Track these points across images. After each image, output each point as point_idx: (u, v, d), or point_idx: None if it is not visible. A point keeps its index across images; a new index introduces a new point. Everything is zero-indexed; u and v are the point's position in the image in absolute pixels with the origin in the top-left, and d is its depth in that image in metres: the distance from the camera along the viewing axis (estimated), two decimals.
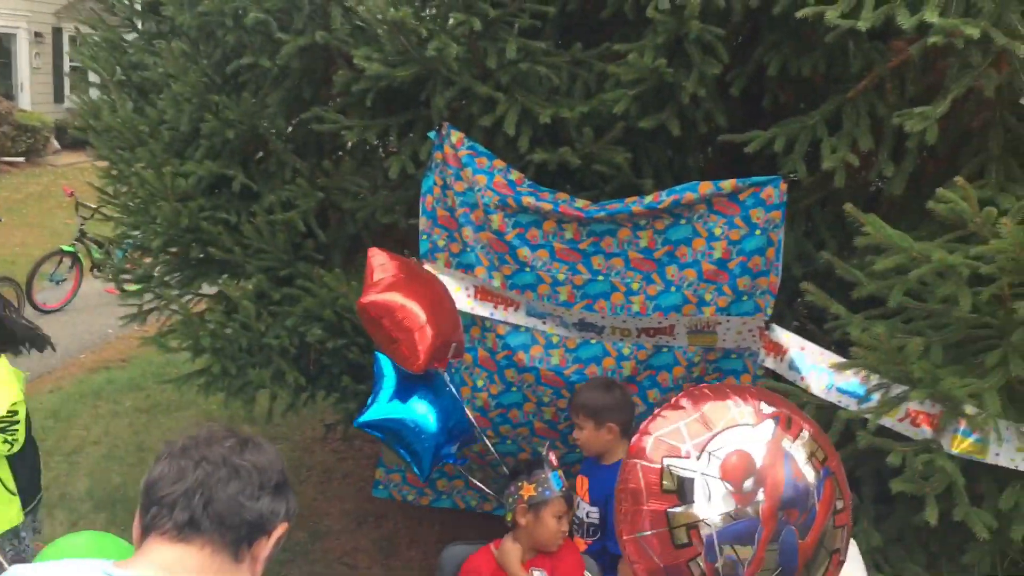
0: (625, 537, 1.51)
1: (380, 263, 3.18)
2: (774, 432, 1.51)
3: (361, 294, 3.09)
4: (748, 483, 1.46)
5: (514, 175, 3.43)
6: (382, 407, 3.20)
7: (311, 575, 4.16)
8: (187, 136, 3.98)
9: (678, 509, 1.46)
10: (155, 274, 4.34)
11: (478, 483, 3.74)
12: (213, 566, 1.27)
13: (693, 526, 1.44)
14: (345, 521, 4.70)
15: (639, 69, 3.03)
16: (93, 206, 8.59)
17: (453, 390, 3.22)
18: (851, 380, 2.80)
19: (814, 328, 3.35)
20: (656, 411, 1.60)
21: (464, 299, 3.53)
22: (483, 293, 3.52)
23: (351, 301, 3.63)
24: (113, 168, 4.25)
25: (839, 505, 1.52)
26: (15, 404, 3.32)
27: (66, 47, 18.67)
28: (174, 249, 4.18)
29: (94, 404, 6.13)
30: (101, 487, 4.86)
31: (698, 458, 1.48)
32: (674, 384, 3.43)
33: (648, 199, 3.24)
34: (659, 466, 1.49)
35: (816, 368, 2.94)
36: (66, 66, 18.61)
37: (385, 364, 3.27)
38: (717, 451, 1.49)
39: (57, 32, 18.74)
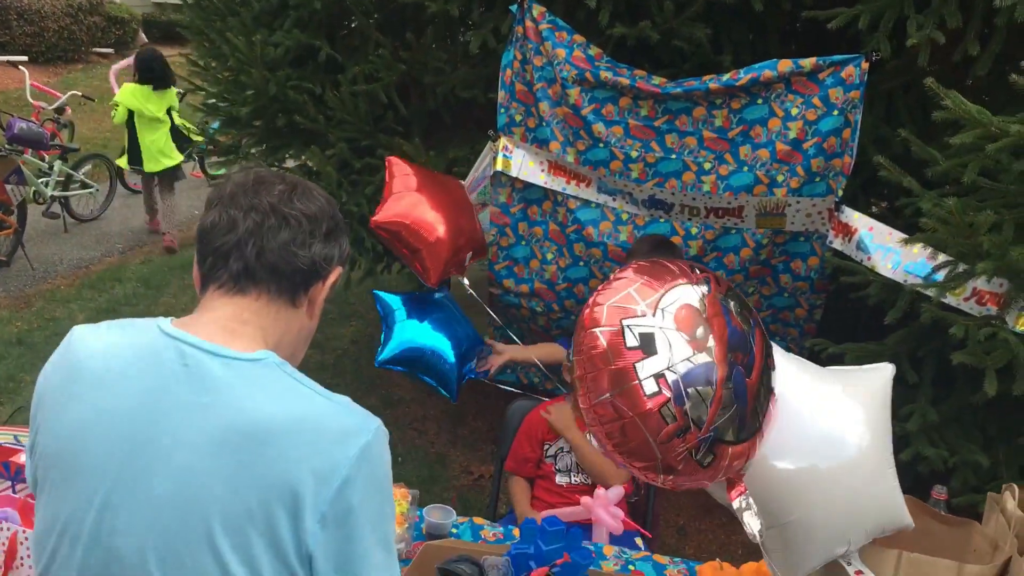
0: (591, 404, 1.60)
1: (402, 172, 3.29)
2: (710, 288, 1.67)
3: (379, 207, 3.24)
4: (699, 331, 1.59)
5: (593, 50, 3.46)
6: (398, 341, 3.33)
7: None
8: (276, 8, 4.08)
9: (644, 361, 1.56)
10: (242, 145, 4.52)
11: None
12: (271, 312, 1.31)
13: (660, 375, 1.55)
14: (415, 392, 4.92)
15: None
16: (181, 91, 8.87)
17: (458, 309, 3.36)
18: (918, 259, 2.82)
19: (886, 211, 3.35)
20: (601, 286, 1.72)
21: (538, 173, 3.61)
22: (556, 168, 3.60)
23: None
24: (205, 39, 4.40)
25: (769, 350, 1.72)
26: None
27: None
28: (258, 122, 4.35)
29: (181, 276, 6.45)
30: None
31: (653, 315, 1.59)
32: (740, 266, 3.49)
33: (726, 76, 3.24)
34: (618, 328, 1.59)
35: (883, 247, 2.96)
36: None
37: (389, 299, 3.40)
38: (668, 307, 1.60)
39: None
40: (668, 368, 1.55)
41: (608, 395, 1.56)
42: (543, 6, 3.49)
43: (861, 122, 3.15)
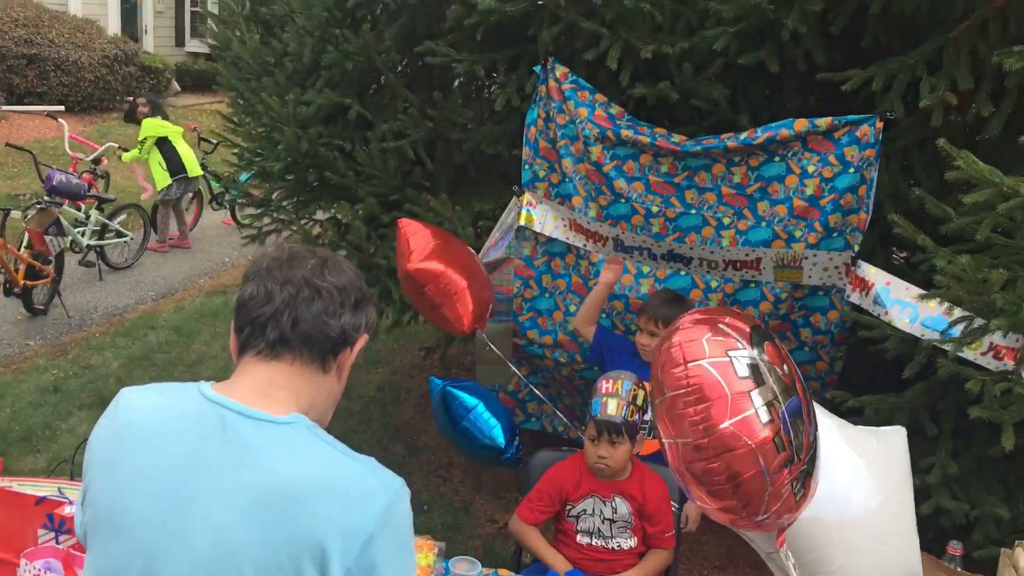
0: (697, 439, 1.59)
1: (414, 232, 3.42)
2: (765, 331, 1.75)
3: (400, 262, 3.36)
4: (785, 367, 1.66)
5: (614, 109, 3.57)
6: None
7: (408, 482, 4.45)
8: (308, 68, 4.24)
9: (756, 391, 1.59)
10: (274, 199, 4.66)
11: (559, 412, 3.98)
12: (303, 377, 1.41)
13: (771, 404, 1.58)
14: (440, 439, 4.97)
15: (740, 6, 3.12)
16: (214, 141, 9.10)
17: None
18: (935, 314, 2.87)
19: (903, 266, 3.40)
20: (673, 329, 1.73)
21: (560, 229, 3.72)
22: (576, 227, 3.69)
23: (456, 226, 3.86)
24: (239, 97, 4.57)
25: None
26: None
27: None
28: (290, 177, 4.49)
29: (212, 323, 6.58)
30: None
31: (751, 347, 1.63)
32: (760, 320, 3.55)
33: (743, 135, 3.33)
34: (726, 358, 1.61)
35: (900, 302, 3.02)
36: (187, 11, 19.35)
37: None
38: (758, 341, 1.66)
39: None
40: (775, 398, 1.58)
41: (725, 424, 1.56)
42: (566, 67, 3.61)
43: (877, 178, 3.23)
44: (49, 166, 6.80)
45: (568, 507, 2.94)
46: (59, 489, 2.37)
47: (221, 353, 6.03)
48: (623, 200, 3.58)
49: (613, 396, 2.85)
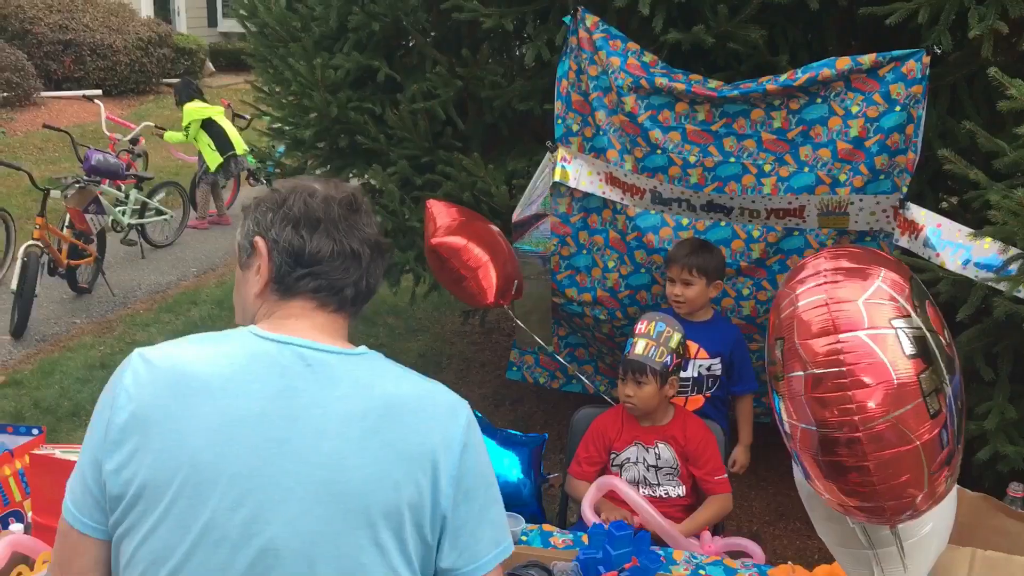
0: (854, 434, 1.26)
1: (440, 211, 3.40)
2: (919, 282, 1.41)
3: (425, 238, 3.34)
4: (947, 332, 1.31)
5: (647, 57, 3.47)
6: None
7: None
8: (335, 32, 4.19)
9: (925, 374, 1.25)
10: (307, 167, 4.64)
11: (583, 378, 3.93)
12: (347, 327, 1.45)
13: (938, 390, 1.26)
14: (484, 403, 4.96)
15: None
16: (247, 116, 9.13)
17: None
18: (989, 253, 2.76)
19: (953, 208, 3.28)
20: (809, 277, 1.35)
21: (595, 183, 3.64)
22: (611, 180, 3.61)
23: (489, 185, 3.81)
24: (268, 66, 4.54)
25: None
26: None
27: None
28: (321, 144, 4.46)
29: None
30: None
31: (913, 309, 1.24)
32: None
33: (783, 77, 3.22)
34: (891, 330, 1.24)
35: (952, 243, 2.91)
36: None
37: None
38: (921, 303, 1.28)
39: None
40: (943, 381, 1.26)
41: (887, 417, 1.24)
42: (596, 16, 3.51)
43: (925, 117, 3.10)
44: (87, 146, 6.84)
45: (612, 456, 2.92)
46: None
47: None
48: (659, 151, 3.49)
49: (644, 336, 2.86)
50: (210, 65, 17.57)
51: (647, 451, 2.89)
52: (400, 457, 1.29)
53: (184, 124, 8.11)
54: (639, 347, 2.82)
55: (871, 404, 1.24)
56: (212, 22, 19.63)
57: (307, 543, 1.25)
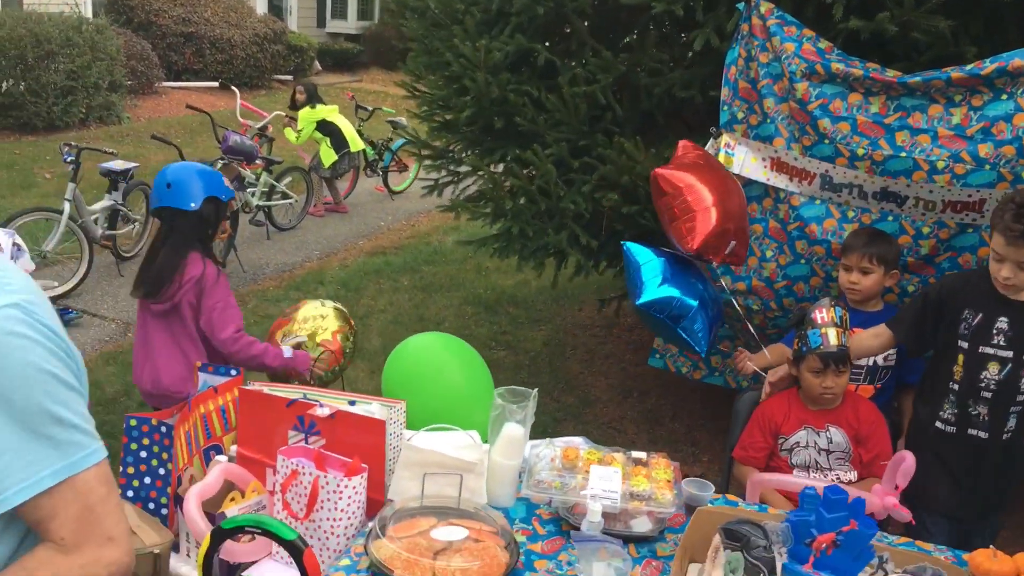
0: None
1: (686, 149, 3.38)
2: None
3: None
4: None
5: (823, 43, 3.44)
6: (655, 288, 3.30)
7: (584, 433, 4.46)
8: (495, 16, 4.27)
9: None
10: (455, 150, 4.73)
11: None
12: None
13: None
14: (611, 393, 4.98)
15: None
16: (370, 108, 9.35)
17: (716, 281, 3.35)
18: None
19: None
20: None
21: (760, 169, 3.62)
22: (778, 165, 3.59)
23: (647, 169, 3.82)
24: (424, 50, 4.64)
25: None
26: None
27: None
28: (473, 126, 4.54)
29: (376, 280, 6.76)
30: (392, 344, 5.38)
31: None
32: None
33: (969, 66, 3.15)
34: None
35: None
36: None
37: (639, 251, 3.38)
38: None
39: None
40: None
41: None
42: (771, 2, 3.50)
43: None
44: (225, 127, 7.10)
45: (780, 440, 2.89)
46: (304, 395, 2.46)
47: (388, 308, 6.19)
48: (827, 141, 3.45)
49: (831, 325, 2.83)
50: (318, 64, 18.03)
51: (818, 435, 2.86)
52: None
53: (299, 127, 8.40)
54: (832, 337, 2.79)
55: None
56: (320, 22, 20.16)
57: None
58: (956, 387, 2.85)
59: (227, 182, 3.40)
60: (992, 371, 2.77)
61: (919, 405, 3.00)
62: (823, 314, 2.87)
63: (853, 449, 2.83)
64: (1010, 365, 2.76)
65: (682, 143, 3.45)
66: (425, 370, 2.82)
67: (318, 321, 3.51)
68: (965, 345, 2.83)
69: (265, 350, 3.28)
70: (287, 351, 3.35)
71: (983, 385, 2.80)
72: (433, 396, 2.69)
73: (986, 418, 2.81)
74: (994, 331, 2.78)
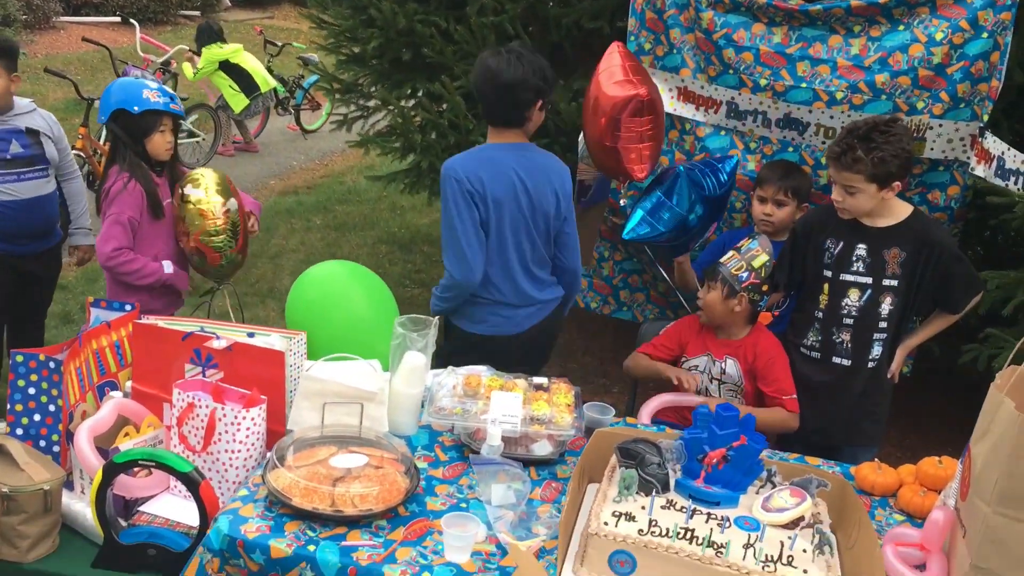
0: None
1: (629, 59, 3.35)
2: None
3: (607, 83, 3.25)
4: None
5: None
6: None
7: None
8: None
9: None
10: (364, 83, 4.62)
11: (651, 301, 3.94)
12: None
13: None
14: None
15: None
16: (279, 44, 9.05)
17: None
18: None
19: None
20: None
21: (668, 99, 3.63)
22: (685, 94, 3.61)
23: (555, 101, 3.80)
24: None
25: None
26: None
27: None
28: (375, 61, 4.43)
29: (288, 220, 6.63)
30: None
31: None
32: None
33: None
34: None
35: (1016, 172, 2.92)
36: None
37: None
38: None
39: None
40: None
41: None
42: None
43: (1010, 43, 3.09)
44: (125, 62, 6.79)
45: (683, 359, 2.96)
46: (201, 328, 2.40)
47: (300, 247, 6.08)
48: (731, 72, 3.48)
49: (735, 249, 2.90)
50: (227, 0, 17.33)
51: (714, 363, 2.93)
52: None
53: (200, 65, 7.95)
54: (725, 256, 2.86)
55: None
56: None
57: None
58: (820, 315, 2.92)
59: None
60: (852, 297, 2.86)
61: (788, 335, 3.03)
62: (741, 241, 2.94)
63: (745, 383, 2.90)
64: (869, 291, 2.85)
65: (618, 45, 3.42)
66: (330, 298, 2.78)
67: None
68: (829, 274, 2.90)
69: (143, 267, 3.27)
70: (167, 266, 3.33)
71: (844, 312, 2.88)
72: (338, 324, 2.67)
73: (849, 345, 2.89)
74: (854, 258, 2.86)
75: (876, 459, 2.39)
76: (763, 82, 3.45)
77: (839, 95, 3.37)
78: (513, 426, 2.18)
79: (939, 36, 3.16)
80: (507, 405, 2.22)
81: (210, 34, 8.06)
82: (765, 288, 2.89)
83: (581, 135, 3.76)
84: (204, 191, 3.31)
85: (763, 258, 2.87)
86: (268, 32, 10.28)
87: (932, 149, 3.28)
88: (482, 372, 2.44)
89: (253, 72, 8.04)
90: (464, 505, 2.04)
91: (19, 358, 2.25)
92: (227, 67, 7.94)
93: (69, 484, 2.21)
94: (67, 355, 2.28)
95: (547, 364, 4.67)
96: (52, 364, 2.25)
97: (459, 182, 2.83)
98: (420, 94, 4.40)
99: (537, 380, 2.43)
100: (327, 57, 4.84)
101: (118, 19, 12.87)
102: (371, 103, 4.70)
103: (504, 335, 3.01)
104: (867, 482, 2.31)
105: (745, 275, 2.84)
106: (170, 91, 3.42)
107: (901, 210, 2.84)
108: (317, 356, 2.40)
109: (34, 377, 2.25)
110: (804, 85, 3.41)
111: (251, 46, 8.47)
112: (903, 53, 3.25)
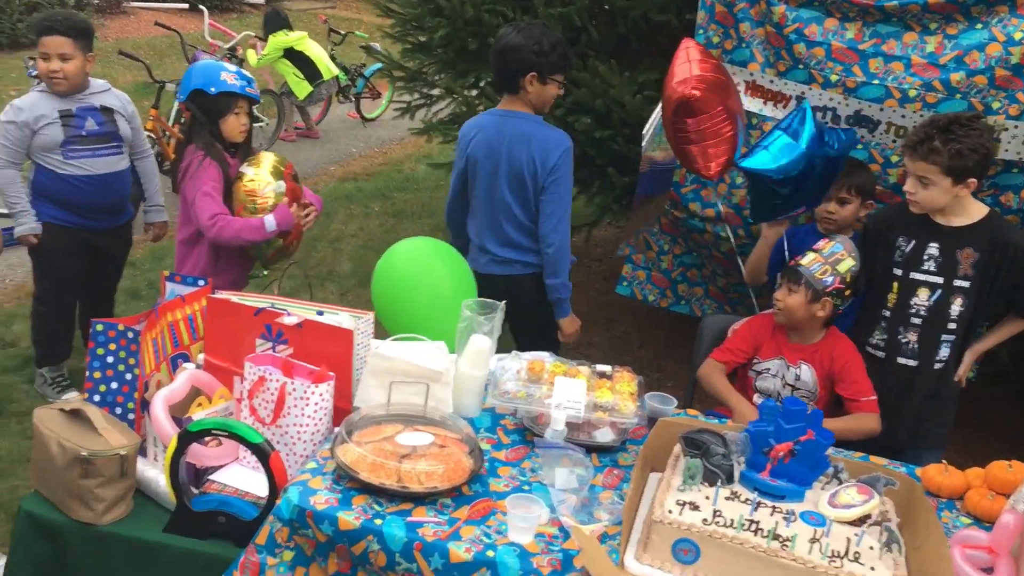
0: None
1: (707, 56, 3.26)
2: None
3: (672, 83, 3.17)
4: None
5: None
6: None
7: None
8: None
9: None
10: (429, 71, 4.66)
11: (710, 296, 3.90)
12: None
13: None
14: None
15: None
16: (343, 32, 9.16)
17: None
18: None
19: None
20: None
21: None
22: (754, 88, 3.58)
23: (620, 94, 3.79)
24: None
25: None
26: None
27: None
28: (440, 49, 4.46)
29: (347, 206, 6.71)
30: (362, 269, 5.40)
31: None
32: None
33: None
34: None
35: None
36: None
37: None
38: None
39: None
40: None
41: None
42: None
43: None
44: (194, 47, 6.93)
45: (755, 361, 2.92)
46: (272, 304, 2.46)
47: (359, 233, 6.16)
48: (801, 66, 3.44)
49: (816, 251, 2.82)
50: None
51: (788, 369, 2.88)
52: None
53: (264, 51, 8.07)
54: (806, 258, 2.79)
55: None
56: None
57: None
58: (887, 313, 2.88)
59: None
60: (922, 297, 2.81)
61: (853, 332, 2.97)
62: (823, 242, 2.86)
63: (820, 390, 2.85)
64: (940, 291, 2.80)
65: (688, 42, 3.31)
66: (414, 276, 2.91)
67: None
68: (899, 272, 2.86)
69: (244, 224, 3.32)
70: (268, 219, 3.36)
71: (913, 311, 2.83)
72: (422, 300, 2.77)
73: (915, 346, 2.85)
74: (925, 257, 2.81)
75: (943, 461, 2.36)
76: (834, 78, 3.41)
77: (912, 93, 3.31)
78: (577, 412, 2.19)
79: (1018, 36, 3.09)
80: (571, 391, 2.24)
81: (278, 21, 8.15)
82: (848, 293, 2.83)
83: (646, 127, 3.75)
84: (255, 171, 3.39)
85: (849, 263, 2.78)
86: (330, 21, 10.40)
87: (1007, 150, 3.20)
88: (545, 358, 2.46)
89: (317, 60, 8.12)
90: (527, 488, 2.06)
91: (99, 327, 2.33)
92: (291, 54, 8.04)
93: (143, 451, 2.28)
94: (144, 326, 2.35)
95: (603, 357, 4.69)
96: (130, 334, 2.32)
97: (458, 137, 3.42)
98: (483, 84, 4.42)
99: (601, 367, 2.44)
100: (392, 45, 4.88)
101: (186, 5, 13.11)
102: (435, 91, 4.73)
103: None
104: (933, 483, 2.28)
105: (830, 279, 2.75)
106: (248, 75, 3.49)
107: (977, 211, 2.79)
108: (399, 331, 2.43)
109: (112, 346, 2.33)
110: (876, 82, 3.36)
111: (314, 34, 8.57)
112: (980, 52, 3.18)
